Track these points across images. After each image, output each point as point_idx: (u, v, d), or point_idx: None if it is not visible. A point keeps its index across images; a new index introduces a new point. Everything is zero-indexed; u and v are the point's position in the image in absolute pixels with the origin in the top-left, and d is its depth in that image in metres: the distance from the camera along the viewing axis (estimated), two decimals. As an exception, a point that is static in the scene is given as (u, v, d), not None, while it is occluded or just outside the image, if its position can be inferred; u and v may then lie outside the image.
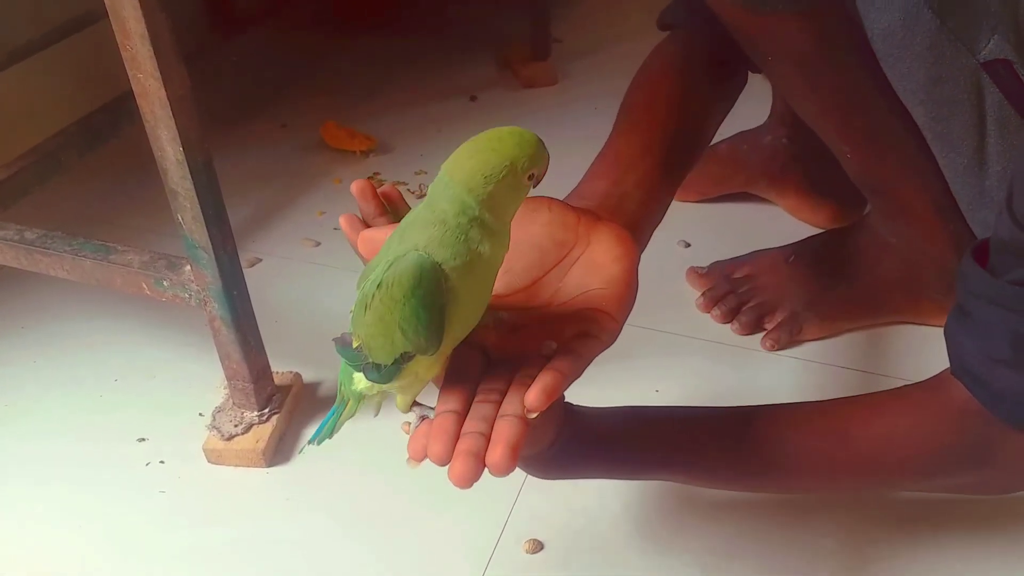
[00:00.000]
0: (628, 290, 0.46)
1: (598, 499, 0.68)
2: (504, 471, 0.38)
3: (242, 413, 0.74)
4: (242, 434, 0.74)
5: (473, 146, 0.40)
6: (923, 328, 0.82)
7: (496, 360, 0.45)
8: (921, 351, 0.80)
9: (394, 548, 0.66)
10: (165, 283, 0.69)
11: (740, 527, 0.66)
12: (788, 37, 0.62)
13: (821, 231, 0.89)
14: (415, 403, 0.46)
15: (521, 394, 0.40)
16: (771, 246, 0.87)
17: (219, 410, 0.75)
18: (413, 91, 1.29)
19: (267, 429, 0.74)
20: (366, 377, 0.45)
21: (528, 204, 0.48)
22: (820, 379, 0.79)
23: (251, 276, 0.72)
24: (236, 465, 0.73)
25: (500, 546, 0.65)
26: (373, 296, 0.40)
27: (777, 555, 0.64)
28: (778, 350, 0.81)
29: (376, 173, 1.11)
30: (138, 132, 0.61)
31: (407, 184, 1.09)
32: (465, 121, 1.22)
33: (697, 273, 0.88)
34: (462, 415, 0.41)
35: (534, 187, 0.42)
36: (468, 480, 0.38)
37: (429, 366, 0.43)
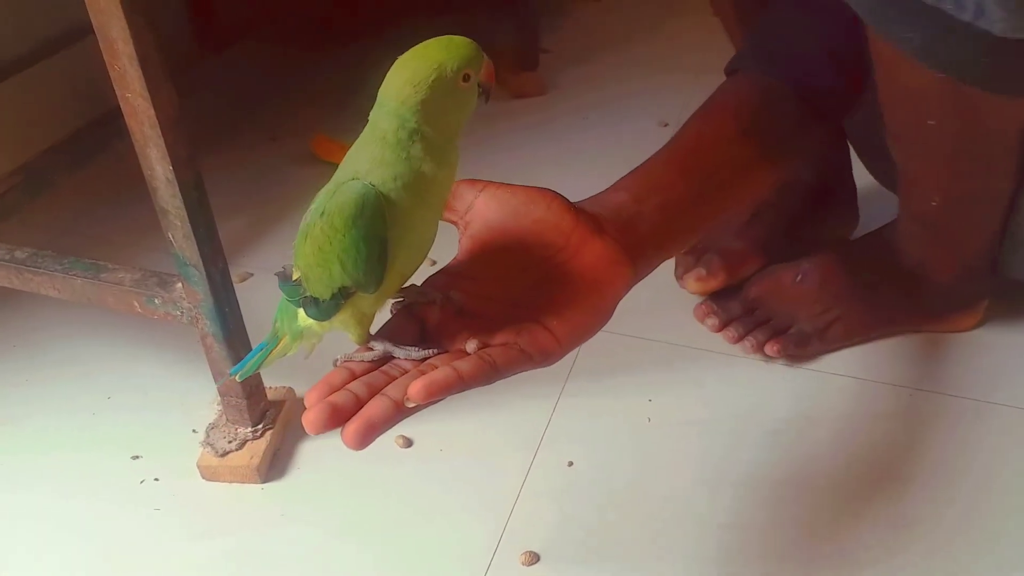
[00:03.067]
0: (591, 318, 0.44)
1: (596, 511, 0.69)
2: (353, 445, 0.38)
3: (236, 429, 0.74)
4: (236, 450, 0.73)
5: (402, 59, 0.39)
6: (917, 334, 0.83)
7: (430, 338, 0.43)
8: (916, 354, 0.81)
9: (389, 563, 0.66)
10: (156, 301, 0.69)
11: (741, 541, 0.66)
12: (1003, 114, 0.57)
13: (825, 249, 0.86)
14: (371, 337, 0.43)
15: (413, 380, 0.39)
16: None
17: (213, 426, 0.75)
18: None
19: (261, 445, 0.74)
20: (305, 312, 0.43)
21: (529, 195, 0.46)
22: (814, 386, 0.79)
23: (242, 291, 0.72)
24: (231, 481, 0.73)
25: (496, 559, 0.65)
26: (314, 225, 0.39)
27: (776, 566, 0.64)
28: (782, 359, 0.80)
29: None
30: (127, 147, 0.61)
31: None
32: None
33: (709, 308, 0.84)
34: (359, 375, 0.41)
35: (485, 96, 0.41)
36: (315, 429, 0.38)
37: (372, 303, 0.42)
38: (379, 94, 0.39)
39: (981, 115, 0.57)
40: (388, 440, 0.75)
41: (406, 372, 0.41)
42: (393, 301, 0.45)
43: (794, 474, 0.71)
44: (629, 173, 0.58)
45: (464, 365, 0.39)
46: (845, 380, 0.79)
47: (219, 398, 0.74)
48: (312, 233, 0.39)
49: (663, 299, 0.88)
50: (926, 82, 0.54)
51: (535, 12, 1.32)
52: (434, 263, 0.84)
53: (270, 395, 0.76)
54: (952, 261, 0.77)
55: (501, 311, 0.44)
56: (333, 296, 0.40)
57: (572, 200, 0.50)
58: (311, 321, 0.44)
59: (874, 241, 0.83)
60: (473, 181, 0.48)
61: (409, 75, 0.38)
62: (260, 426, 0.74)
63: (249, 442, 0.74)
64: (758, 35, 0.71)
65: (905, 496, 0.68)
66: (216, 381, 0.72)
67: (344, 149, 1.20)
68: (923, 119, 0.59)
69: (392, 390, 0.39)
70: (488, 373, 0.40)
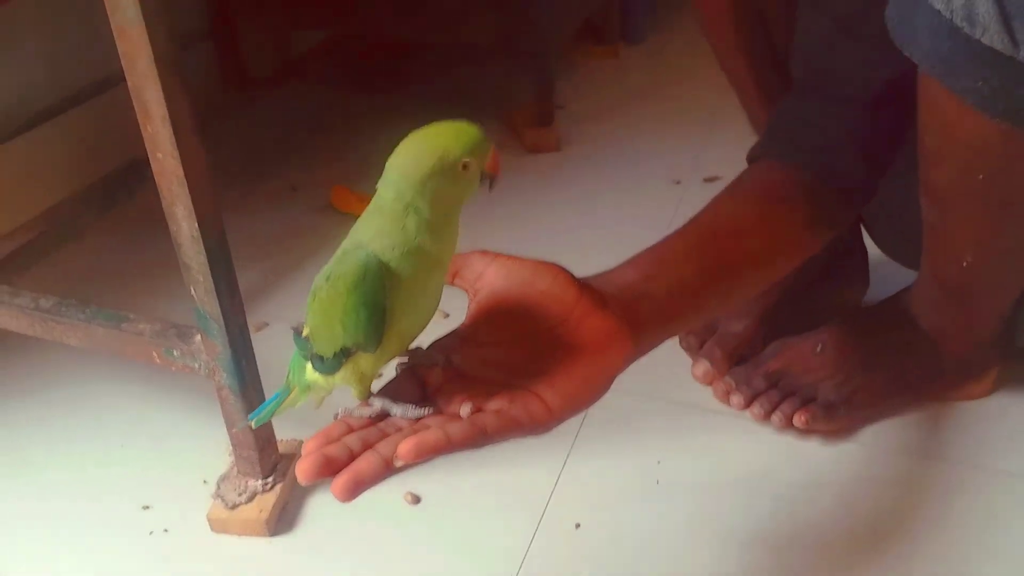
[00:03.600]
0: (586, 391, 0.45)
1: (603, 574, 0.68)
2: (340, 497, 0.39)
3: (246, 481, 0.75)
4: (246, 503, 0.74)
5: (411, 138, 0.41)
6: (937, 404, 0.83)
7: (429, 398, 0.45)
8: (926, 421, 0.81)
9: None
10: (175, 353, 0.70)
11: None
12: None
13: (841, 317, 0.86)
14: (372, 395, 0.45)
15: (404, 438, 0.40)
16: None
17: (223, 478, 0.76)
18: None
19: (271, 498, 0.74)
20: (312, 367, 0.46)
21: (536, 268, 0.48)
22: (823, 451, 0.79)
23: (258, 340, 0.73)
24: (240, 534, 0.73)
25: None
26: (321, 288, 0.42)
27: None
28: (811, 432, 0.79)
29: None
30: (152, 195, 0.62)
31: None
32: (471, 186, 1.24)
33: (726, 388, 0.83)
34: (356, 429, 0.42)
35: (490, 185, 0.43)
36: (306, 478, 0.40)
37: (372, 363, 0.44)
38: (386, 166, 0.41)
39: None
40: (396, 496, 0.76)
41: (400, 430, 0.43)
42: (399, 361, 0.47)
43: (801, 538, 0.71)
44: (641, 252, 0.58)
45: (455, 429, 0.41)
46: (853, 446, 0.79)
47: (231, 449, 0.75)
48: (319, 295, 0.42)
49: (674, 358, 0.89)
50: (984, 134, 0.54)
51: (551, 69, 1.35)
52: (447, 316, 0.86)
53: (281, 448, 0.77)
54: (970, 327, 0.77)
55: (500, 377, 0.45)
56: (336, 354, 0.43)
57: (580, 275, 0.51)
58: (318, 375, 0.46)
59: (891, 308, 0.82)
60: (484, 252, 0.50)
61: (413, 154, 0.40)
62: (270, 479, 0.75)
63: (259, 495, 0.74)
64: (780, 121, 0.71)
65: (912, 562, 0.68)
66: (230, 432, 0.73)
67: (362, 200, 1.22)
68: (974, 174, 0.59)
69: (383, 447, 0.41)
70: (477, 438, 0.41)
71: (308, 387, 0.48)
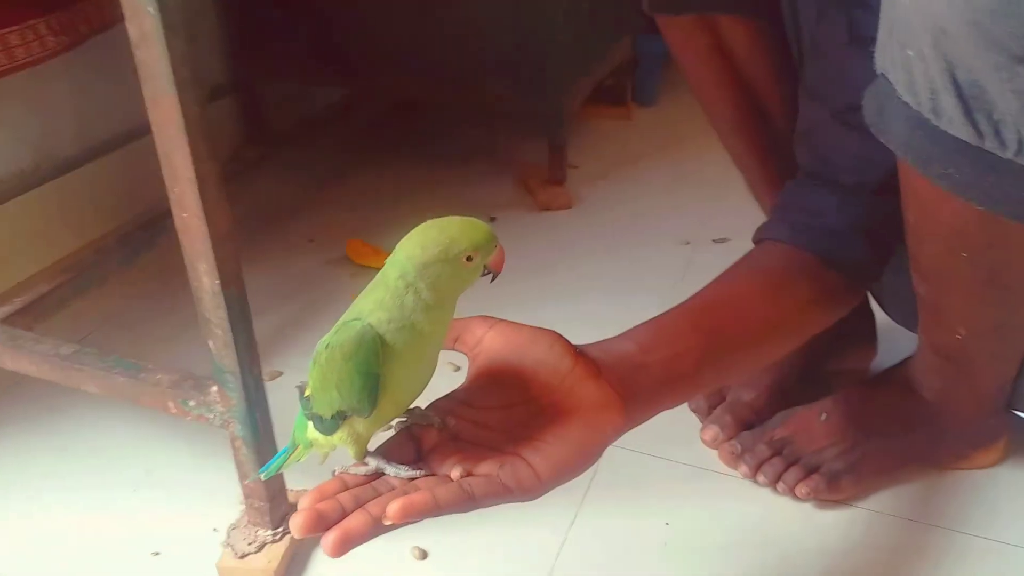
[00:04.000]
0: (574, 459, 0.46)
1: None
2: (329, 553, 0.41)
3: (256, 531, 0.76)
4: (255, 552, 0.74)
5: (425, 225, 0.44)
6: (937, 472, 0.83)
7: (424, 458, 0.46)
8: (934, 489, 0.81)
9: None
10: (191, 403, 0.71)
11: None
12: None
13: (847, 385, 0.87)
14: (368, 453, 0.47)
15: (394, 498, 0.42)
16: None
17: (234, 527, 0.76)
18: (437, 210, 1.33)
19: (280, 548, 0.75)
20: (313, 426, 0.48)
21: (534, 335, 0.50)
22: (830, 516, 0.79)
23: (272, 389, 0.75)
24: (247, 585, 0.74)
25: None
26: (320, 354, 0.45)
27: None
28: (811, 499, 0.80)
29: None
30: (173, 245, 0.64)
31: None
32: (484, 241, 1.26)
33: (733, 453, 0.84)
34: (351, 486, 0.44)
35: (491, 278, 0.45)
36: (299, 532, 0.41)
37: (367, 426, 0.46)
38: (396, 247, 0.45)
39: (1017, 245, 0.58)
40: (404, 550, 0.76)
41: (393, 489, 0.44)
42: (397, 421, 0.49)
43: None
44: (641, 324, 0.58)
45: (443, 492, 0.43)
46: (861, 512, 0.79)
47: (243, 499, 0.76)
48: (319, 361, 0.45)
49: (683, 420, 0.89)
50: (963, 216, 0.55)
51: (565, 130, 1.39)
52: (457, 369, 0.87)
53: (291, 499, 0.78)
54: (973, 393, 0.78)
55: (494, 441, 0.47)
56: (333, 416, 0.46)
57: (588, 334, 0.53)
58: (318, 434, 0.49)
59: (895, 375, 0.83)
60: (485, 318, 0.52)
61: (421, 240, 0.43)
62: (280, 529, 0.76)
63: (268, 545, 0.75)
64: (785, 205, 0.73)
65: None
66: (242, 482, 0.74)
67: (376, 252, 1.25)
68: (957, 252, 0.60)
69: (374, 506, 0.42)
70: (465, 502, 0.43)
71: (310, 444, 0.51)
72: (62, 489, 0.85)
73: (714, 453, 0.86)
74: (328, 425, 0.46)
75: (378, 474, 0.46)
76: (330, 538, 0.41)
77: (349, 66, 1.39)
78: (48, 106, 1.14)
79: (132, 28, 0.58)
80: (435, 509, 0.42)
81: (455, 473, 0.44)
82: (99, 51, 1.01)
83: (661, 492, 0.82)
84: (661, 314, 0.59)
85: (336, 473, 0.47)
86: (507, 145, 1.58)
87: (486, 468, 0.45)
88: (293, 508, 0.77)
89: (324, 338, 0.46)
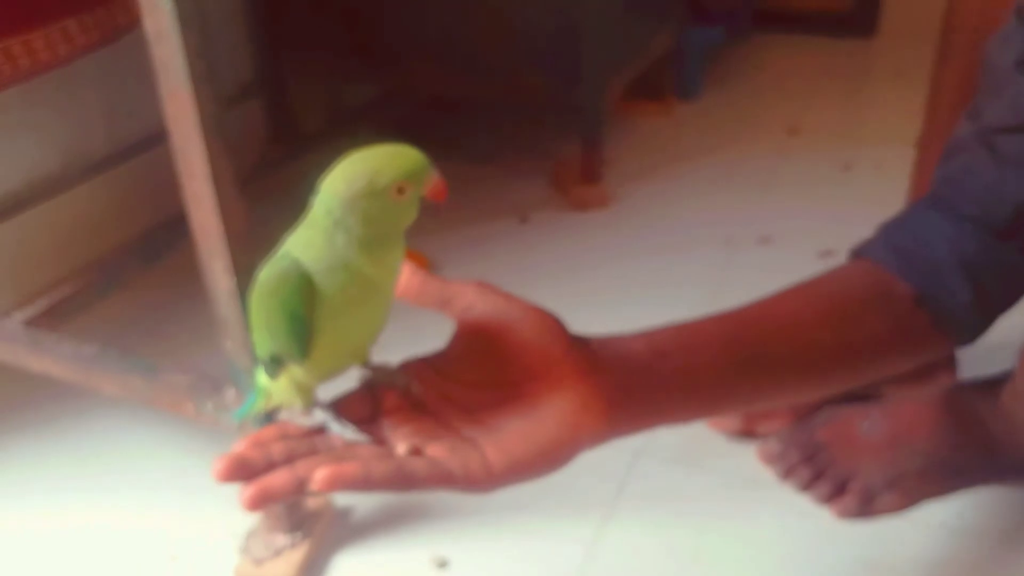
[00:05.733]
0: (537, 462, 0.41)
1: None
2: (245, 507, 0.38)
3: (274, 537, 0.74)
4: (272, 558, 0.73)
5: (349, 157, 0.40)
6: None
7: (380, 420, 0.42)
8: (990, 504, 0.76)
9: None
10: (209, 405, 0.70)
11: None
12: None
13: (893, 397, 0.81)
14: (316, 404, 0.44)
15: (324, 463, 0.38)
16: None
17: (251, 533, 0.75)
18: (468, 209, 1.32)
19: (297, 555, 0.73)
20: (263, 370, 0.45)
21: (527, 314, 0.44)
22: (871, 528, 0.75)
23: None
24: (264, 592, 0.72)
25: None
26: (251, 292, 0.42)
27: None
28: (847, 518, 0.76)
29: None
30: (194, 248, 0.63)
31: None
32: (515, 242, 1.24)
33: (770, 452, 0.80)
34: (290, 436, 0.41)
35: (435, 211, 0.41)
36: (218, 476, 0.38)
37: (305, 375, 0.42)
38: (320, 186, 0.41)
39: None
40: (423, 558, 0.74)
41: (332, 449, 0.41)
42: (361, 373, 0.45)
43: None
44: (665, 325, 0.50)
45: (379, 469, 0.38)
46: (903, 524, 0.75)
47: (260, 504, 0.74)
48: (251, 299, 0.42)
49: (709, 430, 0.86)
50: None
51: (600, 125, 1.35)
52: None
53: (310, 505, 0.76)
54: None
55: (455, 418, 0.42)
56: (272, 360, 0.43)
57: (596, 334, 0.46)
58: (267, 381, 0.46)
59: (963, 398, 0.77)
60: (479, 284, 0.46)
61: (344, 173, 0.40)
62: (298, 535, 0.74)
63: (286, 551, 0.73)
64: (892, 222, 0.63)
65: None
66: (259, 487, 0.73)
67: (407, 255, 1.21)
68: None
69: (302, 466, 0.39)
70: (400, 483, 0.39)
71: (267, 393, 0.47)
72: (80, 490, 0.84)
73: (749, 461, 0.82)
74: (270, 369, 0.43)
75: (323, 429, 0.42)
76: (247, 492, 0.38)
77: (380, 62, 1.37)
78: (77, 109, 1.15)
79: (148, 24, 0.57)
80: (365, 485, 0.38)
81: (401, 449, 0.40)
82: (127, 53, 1.01)
83: (693, 504, 0.79)
84: (693, 319, 0.51)
85: (279, 419, 0.43)
86: (541, 141, 1.55)
87: (436, 449, 0.40)
88: (311, 515, 0.76)
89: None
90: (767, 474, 0.80)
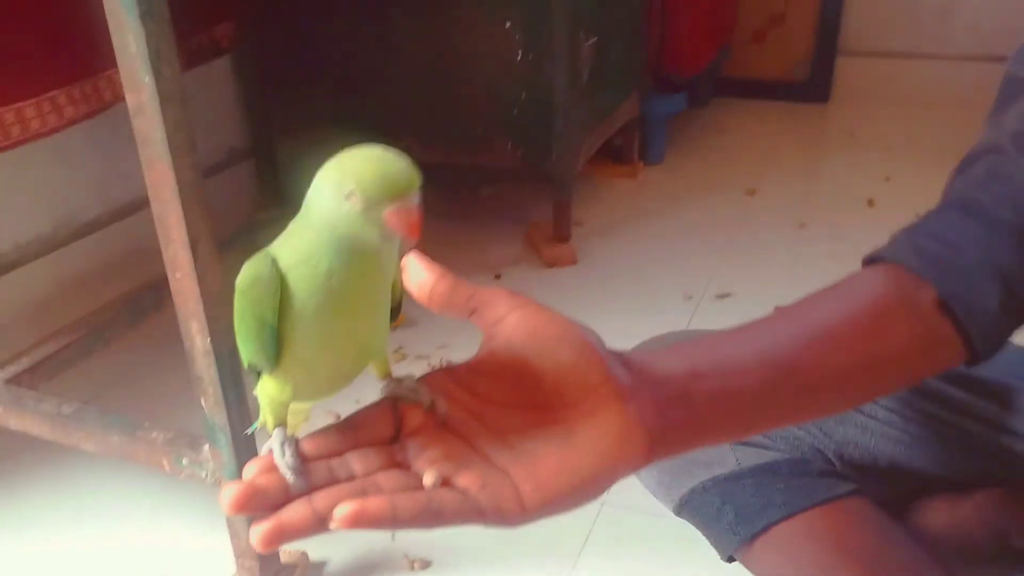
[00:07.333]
0: (573, 493, 0.38)
1: None
2: (258, 548, 0.33)
3: (247, 591, 0.75)
4: (246, 613, 0.74)
5: (337, 156, 0.38)
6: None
7: (403, 441, 0.39)
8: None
9: None
10: (184, 461, 0.72)
11: None
12: None
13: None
14: (277, 427, 0.39)
15: (345, 497, 0.34)
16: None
17: (225, 587, 0.76)
18: (445, 266, 1.35)
19: (270, 609, 0.74)
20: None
21: (565, 333, 0.41)
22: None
23: (263, 437, 0.75)
24: (236, 646, 0.73)
25: None
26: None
27: None
28: None
29: (399, 347, 1.16)
30: (174, 309, 0.66)
31: (429, 358, 1.14)
32: (488, 299, 1.28)
33: None
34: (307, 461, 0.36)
35: (404, 240, 0.38)
36: (230, 509, 0.33)
37: (277, 390, 0.39)
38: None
39: None
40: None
41: (352, 478, 0.36)
42: (384, 387, 0.41)
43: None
44: (697, 338, 0.47)
45: (405, 504, 0.35)
46: None
47: (234, 558, 0.76)
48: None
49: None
50: None
51: (569, 189, 1.41)
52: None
53: (284, 558, 0.78)
54: None
55: (483, 438, 0.39)
56: (250, 367, 0.40)
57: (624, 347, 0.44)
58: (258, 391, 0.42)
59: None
60: (513, 295, 0.43)
61: (321, 176, 0.38)
62: (271, 588, 0.75)
63: (259, 605, 0.75)
64: (915, 226, 0.58)
65: None
66: (233, 541, 0.74)
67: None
68: None
69: (321, 500, 0.34)
70: (428, 521, 0.35)
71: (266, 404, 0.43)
72: (57, 552, 0.85)
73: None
74: (252, 376, 0.40)
75: (347, 442, 0.38)
76: (262, 530, 0.32)
77: (365, 130, 1.42)
78: (69, 172, 1.19)
79: (130, 98, 0.61)
80: (391, 523, 0.34)
81: (428, 480, 0.36)
82: (119, 120, 1.06)
83: (658, 553, 0.81)
84: (724, 330, 0.48)
85: (271, 449, 0.37)
86: (514, 204, 1.61)
87: (467, 479, 0.37)
88: (285, 568, 0.77)
89: None
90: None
